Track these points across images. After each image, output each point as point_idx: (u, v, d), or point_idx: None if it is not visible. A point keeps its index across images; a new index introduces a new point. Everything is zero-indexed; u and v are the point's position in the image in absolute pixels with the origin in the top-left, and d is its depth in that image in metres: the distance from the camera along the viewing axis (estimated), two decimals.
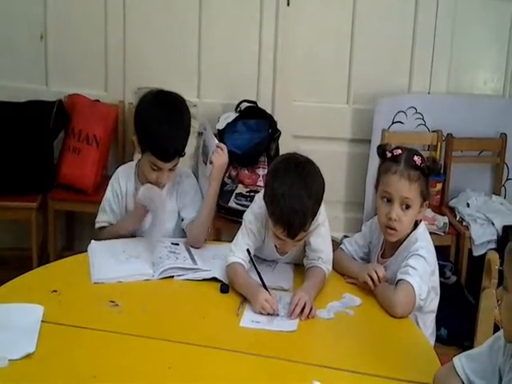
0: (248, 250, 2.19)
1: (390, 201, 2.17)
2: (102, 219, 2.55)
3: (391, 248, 2.24)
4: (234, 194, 3.44)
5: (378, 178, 2.23)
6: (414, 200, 2.15)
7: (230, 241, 2.30)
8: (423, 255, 2.14)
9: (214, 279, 2.23)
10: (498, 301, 1.56)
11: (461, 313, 3.21)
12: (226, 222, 3.39)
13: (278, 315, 2.04)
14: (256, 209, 2.25)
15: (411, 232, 2.20)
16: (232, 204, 3.41)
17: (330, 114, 3.77)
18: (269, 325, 2.01)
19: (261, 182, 3.46)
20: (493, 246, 3.51)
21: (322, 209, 2.17)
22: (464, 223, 3.59)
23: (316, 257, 2.23)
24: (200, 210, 2.46)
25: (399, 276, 2.11)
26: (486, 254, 3.41)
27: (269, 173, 2.18)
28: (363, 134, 3.76)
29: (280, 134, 3.51)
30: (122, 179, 2.53)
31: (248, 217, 2.27)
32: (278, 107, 3.72)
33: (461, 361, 1.69)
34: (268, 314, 2.03)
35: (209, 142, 2.57)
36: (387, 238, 2.23)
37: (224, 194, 3.44)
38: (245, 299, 2.11)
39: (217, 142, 2.53)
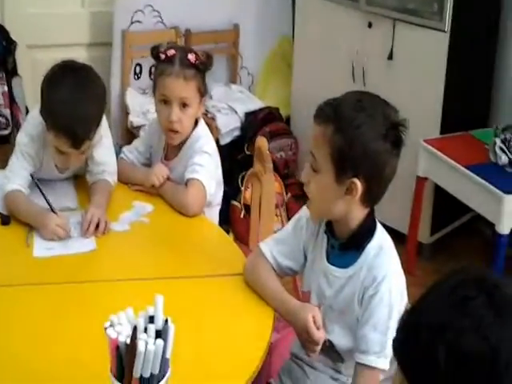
0: (32, 175, 2.02)
1: (168, 103, 2.12)
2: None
3: (174, 149, 2.21)
4: None
5: (155, 82, 2.16)
6: (192, 98, 2.12)
7: None
8: (207, 151, 2.15)
9: None
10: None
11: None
12: None
13: (72, 237, 1.93)
14: (30, 129, 2.06)
15: (192, 131, 2.17)
16: None
17: (65, 20, 3.53)
18: (65, 249, 1.89)
19: (1, 100, 3.18)
20: (237, 133, 3.65)
21: (104, 119, 2.05)
22: (209, 115, 3.65)
23: (101, 170, 2.11)
24: None
25: (187, 175, 2.10)
26: (231, 141, 3.58)
27: (44, 83, 1.99)
28: (103, 37, 3.61)
29: (16, 45, 3.22)
30: None
31: (22, 139, 2.07)
32: (8, 17, 3.38)
33: (268, 245, 1.75)
34: (61, 239, 1.91)
35: None
36: (170, 142, 2.19)
37: None
38: (31, 227, 1.96)
39: None
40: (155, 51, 2.14)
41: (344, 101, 1.55)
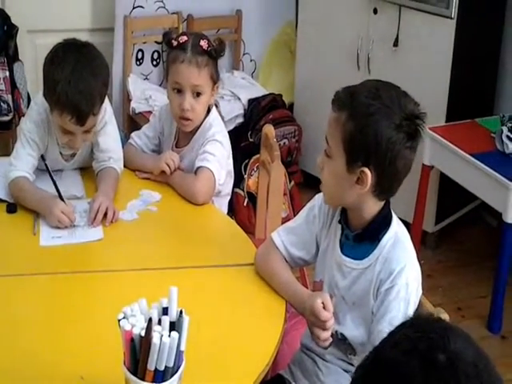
0: (42, 156, 2.00)
1: (181, 91, 2.08)
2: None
3: (186, 136, 2.17)
4: None
5: (167, 69, 2.13)
6: (205, 86, 2.09)
7: None
8: (219, 140, 2.11)
9: None
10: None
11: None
12: None
13: (78, 226, 1.90)
14: (35, 115, 2.03)
15: (205, 118, 2.14)
16: None
17: (67, 5, 3.50)
18: (72, 238, 1.86)
19: (2, 86, 3.14)
20: (240, 120, 3.61)
21: (108, 105, 2.02)
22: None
23: (106, 157, 2.08)
24: None
25: (198, 163, 2.07)
26: (235, 128, 3.55)
27: (46, 62, 1.96)
28: (104, 22, 3.58)
29: (17, 30, 3.17)
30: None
31: (26, 126, 2.04)
32: (9, 1, 3.34)
33: (279, 235, 1.72)
34: (66, 227, 1.88)
35: None
36: (183, 129, 2.15)
37: None
38: (38, 215, 1.93)
39: None
40: (167, 38, 2.11)
41: (361, 88, 1.52)
